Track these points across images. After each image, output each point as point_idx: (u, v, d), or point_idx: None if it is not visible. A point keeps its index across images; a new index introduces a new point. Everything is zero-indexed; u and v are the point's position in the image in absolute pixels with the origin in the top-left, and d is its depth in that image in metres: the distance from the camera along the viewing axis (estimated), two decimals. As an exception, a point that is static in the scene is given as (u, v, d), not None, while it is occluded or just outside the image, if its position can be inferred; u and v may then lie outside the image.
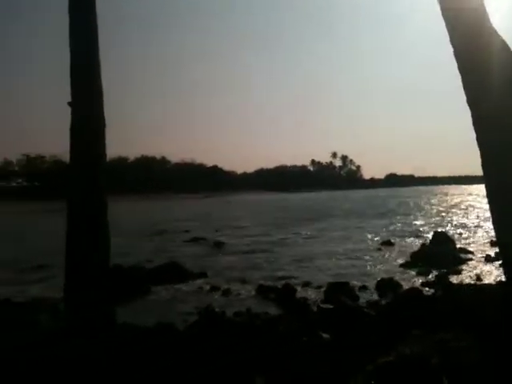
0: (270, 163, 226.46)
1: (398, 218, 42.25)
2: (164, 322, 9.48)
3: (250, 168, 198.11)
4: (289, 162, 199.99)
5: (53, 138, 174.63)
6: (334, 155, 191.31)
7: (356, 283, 13.73)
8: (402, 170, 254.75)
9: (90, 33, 5.29)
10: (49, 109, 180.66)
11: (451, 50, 6.68)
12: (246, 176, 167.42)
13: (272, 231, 32.65)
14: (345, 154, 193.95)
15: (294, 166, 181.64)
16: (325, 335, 8.00)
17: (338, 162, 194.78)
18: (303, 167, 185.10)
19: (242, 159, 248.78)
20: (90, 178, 5.10)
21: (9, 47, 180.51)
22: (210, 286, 14.29)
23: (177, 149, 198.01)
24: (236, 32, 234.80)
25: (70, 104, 5.19)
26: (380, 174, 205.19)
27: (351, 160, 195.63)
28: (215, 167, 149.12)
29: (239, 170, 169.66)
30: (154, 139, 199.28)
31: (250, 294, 13.30)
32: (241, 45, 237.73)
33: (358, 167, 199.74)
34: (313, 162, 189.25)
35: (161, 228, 35.08)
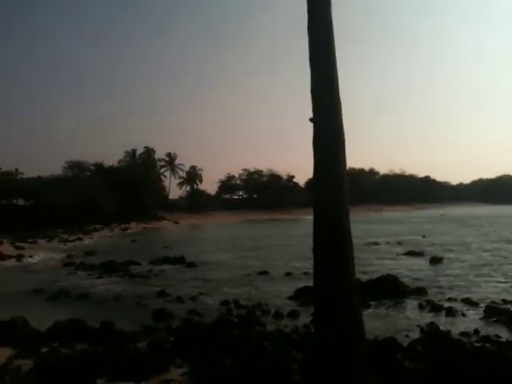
0: (490, 173, 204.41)
1: None
2: (385, 336, 9.52)
3: (467, 179, 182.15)
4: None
5: (269, 154, 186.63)
6: None
7: None
8: None
9: (328, 47, 5.67)
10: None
11: None
12: (461, 187, 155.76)
13: (494, 246, 29.69)
14: None
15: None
16: None
17: None
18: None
19: (456, 170, 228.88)
20: (334, 189, 5.45)
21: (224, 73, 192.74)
22: (430, 303, 13.69)
23: (386, 160, 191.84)
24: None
25: (311, 120, 5.64)
26: None
27: None
28: (427, 178, 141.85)
29: (454, 181, 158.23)
30: (361, 151, 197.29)
31: (476, 315, 12.38)
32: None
33: None
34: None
35: (374, 240, 34.85)
